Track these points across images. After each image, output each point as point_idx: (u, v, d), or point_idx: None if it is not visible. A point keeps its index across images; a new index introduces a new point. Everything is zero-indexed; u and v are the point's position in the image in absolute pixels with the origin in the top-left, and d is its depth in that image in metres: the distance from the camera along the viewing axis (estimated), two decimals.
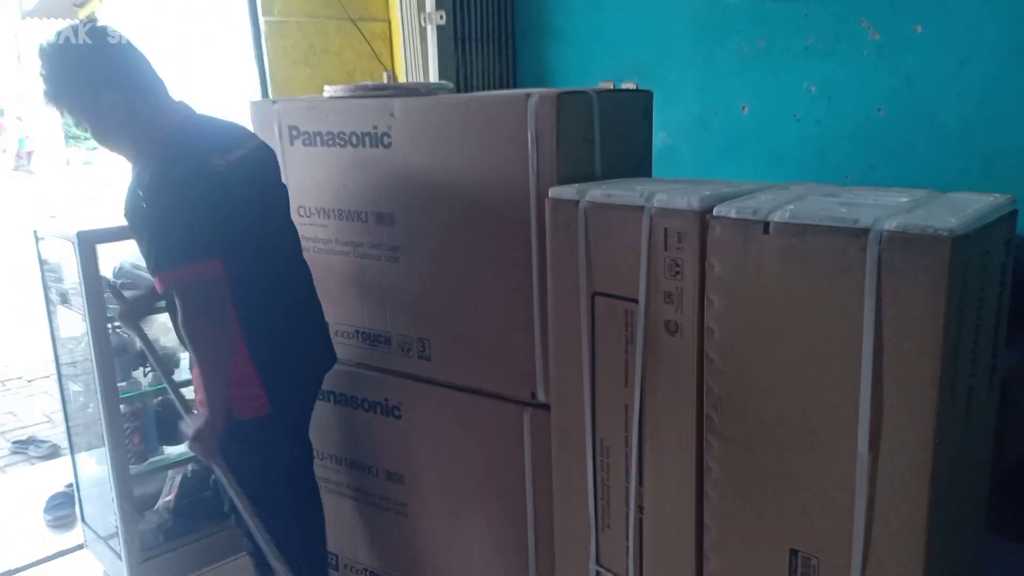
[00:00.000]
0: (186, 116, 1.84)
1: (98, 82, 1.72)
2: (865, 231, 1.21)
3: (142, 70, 1.78)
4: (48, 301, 2.60)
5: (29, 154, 16.24)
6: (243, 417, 1.84)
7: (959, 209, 1.27)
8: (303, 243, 2.19)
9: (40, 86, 1.74)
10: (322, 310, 2.07)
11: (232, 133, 1.90)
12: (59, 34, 1.72)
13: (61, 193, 10.57)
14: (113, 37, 1.75)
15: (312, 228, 2.17)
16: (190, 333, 1.75)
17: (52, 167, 9.98)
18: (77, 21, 1.75)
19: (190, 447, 1.87)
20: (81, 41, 1.71)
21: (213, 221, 1.73)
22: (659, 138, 2.19)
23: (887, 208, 1.29)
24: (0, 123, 16.47)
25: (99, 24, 1.76)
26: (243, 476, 1.91)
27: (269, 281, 1.88)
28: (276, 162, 1.98)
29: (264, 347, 1.84)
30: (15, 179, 14.52)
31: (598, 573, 1.70)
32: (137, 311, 2.12)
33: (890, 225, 1.19)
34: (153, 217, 1.70)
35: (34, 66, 1.75)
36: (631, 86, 2.83)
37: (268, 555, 1.93)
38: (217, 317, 1.74)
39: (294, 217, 2.19)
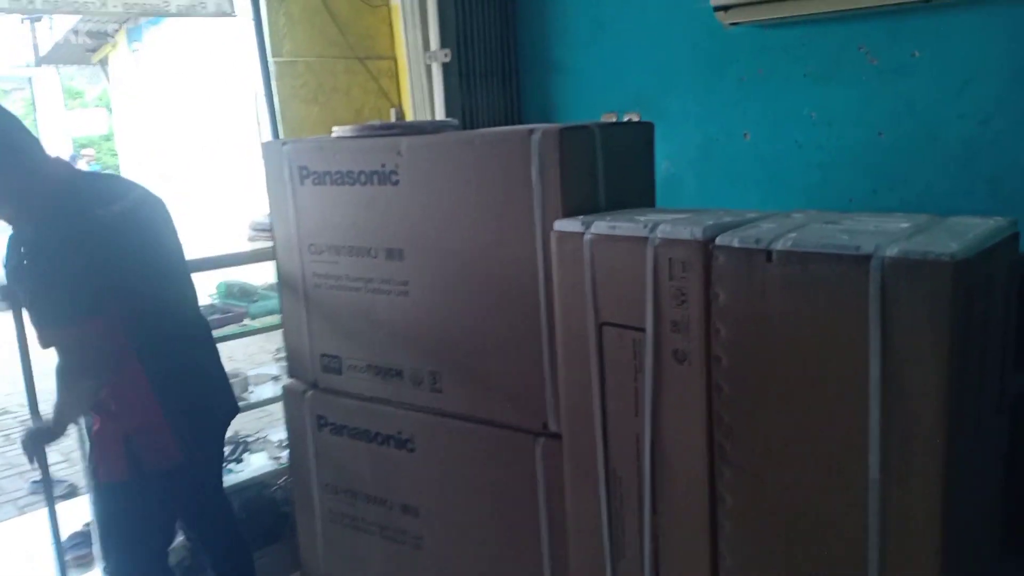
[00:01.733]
0: (67, 172, 1.86)
1: None
2: (867, 258, 1.23)
3: (14, 127, 1.79)
4: None
5: None
6: (154, 468, 1.84)
7: (960, 234, 1.28)
8: (314, 280, 2.23)
9: None
10: (220, 361, 2.09)
11: (114, 187, 1.92)
12: None
13: None
14: None
15: (323, 265, 2.20)
16: (63, 381, 1.80)
17: None
18: None
19: (23, 442, 1.95)
20: None
21: (102, 273, 1.74)
22: (663, 167, 2.21)
23: (888, 234, 1.30)
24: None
25: None
26: (142, 532, 1.93)
27: (170, 329, 1.90)
28: (165, 213, 1.97)
29: (172, 395, 1.85)
30: None
31: None
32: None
33: (891, 251, 1.21)
34: (35, 274, 1.71)
35: None
36: (634, 117, 2.87)
37: None
38: (91, 371, 1.79)
39: (304, 255, 2.23)
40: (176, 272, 1.99)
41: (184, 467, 1.89)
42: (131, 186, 1.94)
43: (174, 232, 1.99)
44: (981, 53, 2.20)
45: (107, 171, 2.14)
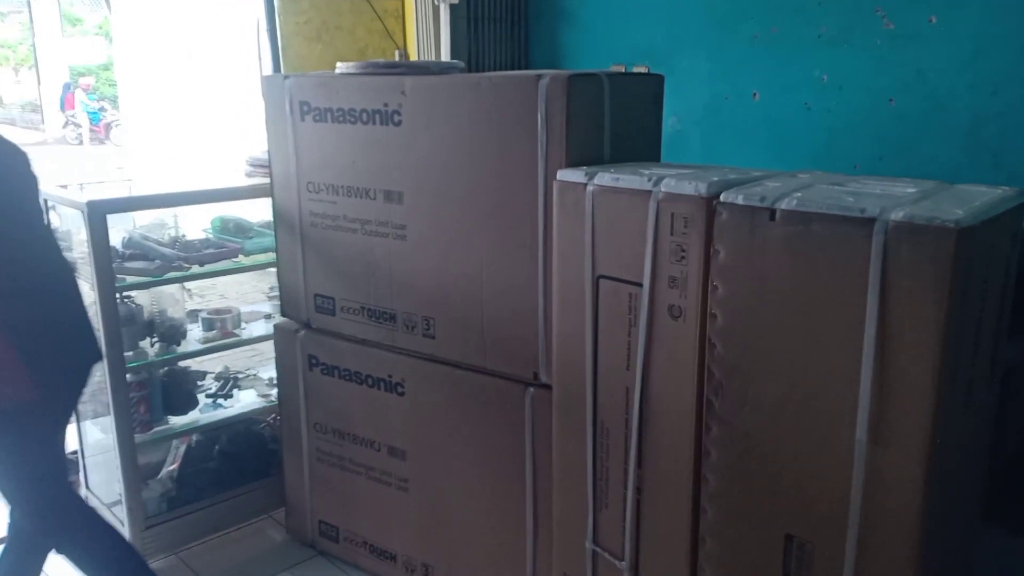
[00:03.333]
0: None
1: None
2: (871, 221, 1.22)
3: None
4: None
5: (107, 127, 16.05)
6: (6, 403, 1.80)
7: (966, 201, 1.27)
8: (311, 219, 2.21)
9: None
10: (84, 307, 2.03)
11: None
12: None
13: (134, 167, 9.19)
14: None
15: (321, 204, 2.18)
16: None
17: (137, 139, 8.70)
18: None
19: None
20: None
21: None
22: (669, 123, 2.18)
23: (894, 198, 1.29)
24: (70, 96, 16.29)
25: None
26: (16, 468, 1.89)
27: (17, 270, 1.84)
28: (15, 160, 1.89)
29: (24, 333, 1.80)
30: (81, 155, 14.17)
31: (595, 552, 1.72)
32: None
33: (896, 215, 1.20)
34: None
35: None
36: (643, 70, 2.82)
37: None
38: None
39: (302, 193, 2.21)
40: (21, 220, 1.91)
41: (41, 405, 1.85)
42: None
43: (24, 181, 1.90)
44: (994, 23, 2.17)
45: None
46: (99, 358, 2.08)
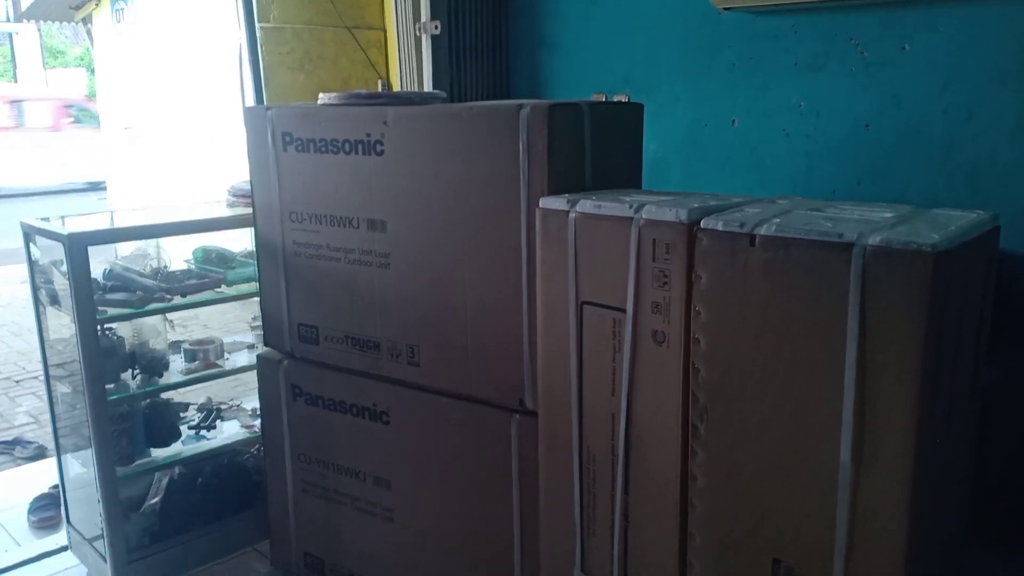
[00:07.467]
0: None
1: None
2: (849, 245, 1.23)
3: None
4: (37, 301, 2.60)
5: None
6: None
7: (942, 225, 1.29)
8: (294, 248, 2.21)
9: None
10: None
11: None
12: None
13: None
14: None
15: (304, 234, 2.18)
16: None
17: (119, 169, 8.14)
18: None
19: None
20: None
21: None
22: (650, 150, 2.21)
23: (871, 223, 1.31)
24: None
25: None
26: None
27: None
28: None
29: None
30: None
31: None
32: None
33: (874, 240, 1.21)
34: None
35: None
36: (623, 98, 2.85)
37: None
38: None
39: (285, 222, 2.21)
40: None
41: None
42: None
43: None
44: (967, 49, 2.21)
45: None
46: None
